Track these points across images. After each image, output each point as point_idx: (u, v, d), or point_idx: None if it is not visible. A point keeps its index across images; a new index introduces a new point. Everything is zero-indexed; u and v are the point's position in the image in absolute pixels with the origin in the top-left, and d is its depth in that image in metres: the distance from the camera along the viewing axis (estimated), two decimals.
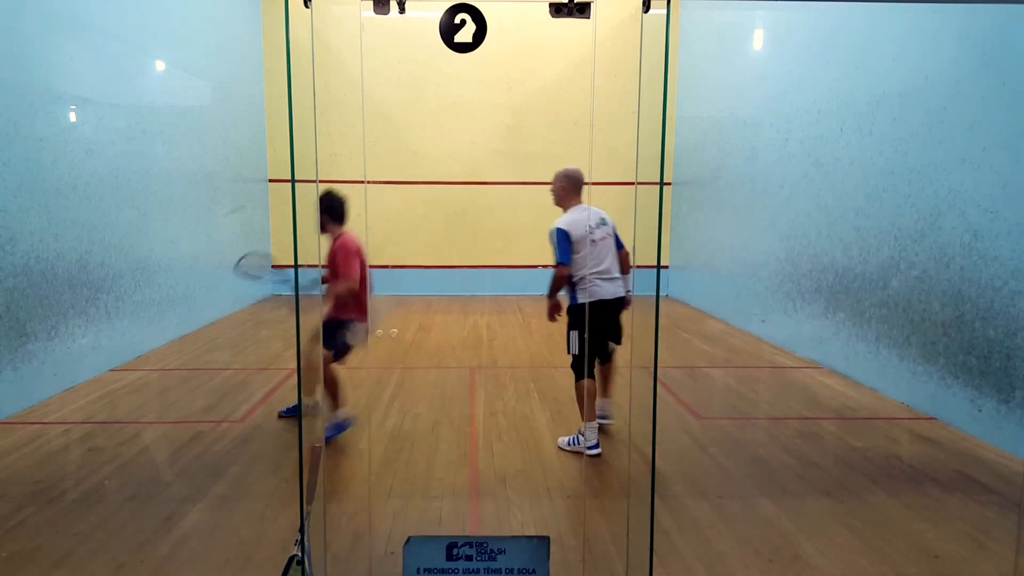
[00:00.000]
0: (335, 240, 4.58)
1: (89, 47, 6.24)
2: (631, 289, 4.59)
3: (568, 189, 4.52)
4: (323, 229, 4.57)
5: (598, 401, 4.67)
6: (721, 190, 9.50)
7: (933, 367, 5.18)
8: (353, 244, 4.54)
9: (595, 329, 4.42)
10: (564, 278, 4.39)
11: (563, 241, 4.37)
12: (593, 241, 4.41)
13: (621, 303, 4.53)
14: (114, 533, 3.34)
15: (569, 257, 4.37)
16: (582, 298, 4.39)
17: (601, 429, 4.63)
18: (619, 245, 4.60)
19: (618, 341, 4.64)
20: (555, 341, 7.88)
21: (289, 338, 7.60)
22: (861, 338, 6.09)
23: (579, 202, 4.53)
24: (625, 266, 4.58)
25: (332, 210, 4.60)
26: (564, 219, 4.46)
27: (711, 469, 4.24)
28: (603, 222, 4.53)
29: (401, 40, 10.55)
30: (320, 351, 4.36)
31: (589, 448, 4.35)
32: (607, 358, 4.71)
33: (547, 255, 4.48)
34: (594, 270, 4.40)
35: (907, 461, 4.35)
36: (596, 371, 4.66)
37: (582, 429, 4.37)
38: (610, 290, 4.45)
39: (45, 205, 5.49)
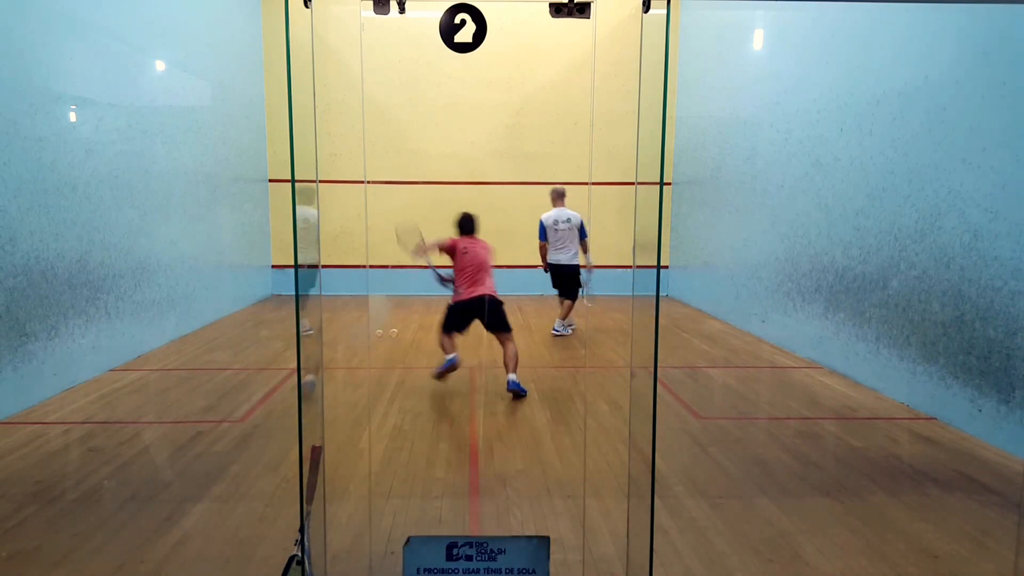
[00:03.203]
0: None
1: (89, 47, 6.24)
2: (589, 263, 8.01)
3: (553, 198, 8.08)
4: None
5: (563, 321, 8.12)
6: (721, 190, 9.50)
7: (933, 367, 5.18)
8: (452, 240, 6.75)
9: (555, 276, 8.06)
10: (543, 248, 7.99)
11: (541, 227, 8.01)
12: (557, 230, 7.88)
13: (573, 268, 7.94)
14: (114, 533, 3.34)
15: (545, 236, 7.97)
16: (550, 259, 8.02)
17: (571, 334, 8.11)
18: (582, 235, 7.94)
19: (571, 295, 8.03)
20: (555, 341, 7.88)
21: (289, 338, 7.60)
22: (861, 338, 6.09)
23: (561, 205, 7.97)
24: (584, 247, 7.97)
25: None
26: (545, 215, 8.02)
27: (711, 469, 4.24)
28: (568, 220, 7.86)
29: (401, 40, 10.55)
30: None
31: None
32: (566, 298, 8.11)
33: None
34: (555, 247, 7.94)
35: (907, 461, 4.35)
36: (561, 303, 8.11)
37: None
38: (562, 259, 7.92)
39: (45, 205, 5.49)
